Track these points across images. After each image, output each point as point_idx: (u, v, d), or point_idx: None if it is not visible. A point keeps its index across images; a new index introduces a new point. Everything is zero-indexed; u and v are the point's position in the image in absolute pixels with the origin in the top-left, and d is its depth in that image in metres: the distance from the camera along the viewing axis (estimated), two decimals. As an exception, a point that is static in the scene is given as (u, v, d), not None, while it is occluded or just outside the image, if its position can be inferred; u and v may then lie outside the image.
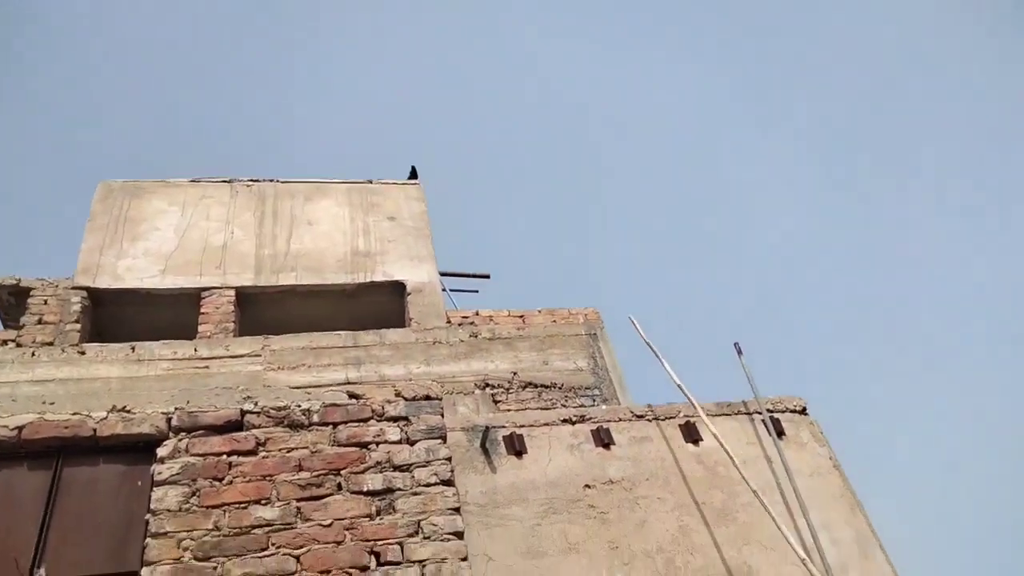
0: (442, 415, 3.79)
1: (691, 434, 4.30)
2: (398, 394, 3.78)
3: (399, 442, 3.63)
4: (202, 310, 6.44)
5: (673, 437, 4.29)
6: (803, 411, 4.54)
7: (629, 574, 3.75)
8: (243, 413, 3.60)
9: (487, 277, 8.94)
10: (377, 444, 3.61)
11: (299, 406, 3.66)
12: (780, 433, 4.37)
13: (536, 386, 6.46)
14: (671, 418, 4.36)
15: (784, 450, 4.27)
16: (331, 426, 3.63)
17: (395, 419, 3.70)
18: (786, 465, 4.18)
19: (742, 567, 3.88)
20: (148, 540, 3.20)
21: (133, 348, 5.78)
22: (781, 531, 3.69)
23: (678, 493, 4.08)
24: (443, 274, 7.84)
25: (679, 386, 4.47)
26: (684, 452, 4.24)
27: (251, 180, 7.07)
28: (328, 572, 3.20)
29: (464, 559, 3.36)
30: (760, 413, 4.42)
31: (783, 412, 4.48)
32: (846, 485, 4.28)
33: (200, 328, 6.42)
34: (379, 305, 6.86)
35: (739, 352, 4.57)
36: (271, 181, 7.11)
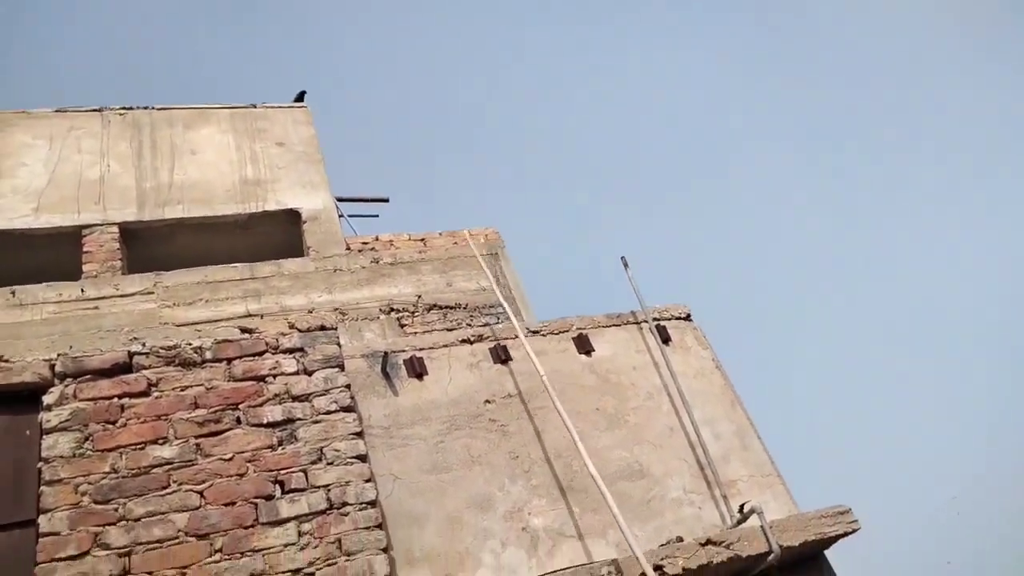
0: (338, 344, 3.82)
1: (584, 346, 4.50)
2: (292, 326, 3.78)
3: (296, 373, 3.65)
4: (84, 249, 6.14)
5: (567, 350, 4.49)
6: (687, 317, 4.82)
7: (530, 480, 3.98)
8: (131, 355, 3.52)
9: (386, 201, 8.84)
10: (274, 377, 3.62)
11: (190, 344, 3.61)
12: (666, 340, 4.64)
13: (441, 307, 6.55)
14: (564, 332, 4.54)
15: (670, 355, 4.55)
16: (225, 362, 3.61)
17: (291, 351, 3.71)
18: (671, 368, 4.46)
19: (634, 465, 4.18)
20: (43, 488, 3.15)
21: (13, 292, 5.49)
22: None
23: (573, 401, 4.30)
24: (340, 199, 7.70)
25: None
26: (578, 363, 4.45)
27: (124, 108, 6.63)
28: (233, 504, 3.26)
29: (368, 480, 3.48)
30: (647, 322, 4.67)
31: (668, 319, 4.74)
32: (727, 384, 4.62)
33: (84, 268, 6.13)
34: (275, 236, 6.71)
35: (625, 265, 4.77)
36: (146, 109, 6.70)
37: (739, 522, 3.89)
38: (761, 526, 3.68)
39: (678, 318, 4.79)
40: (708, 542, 3.60)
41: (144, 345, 3.57)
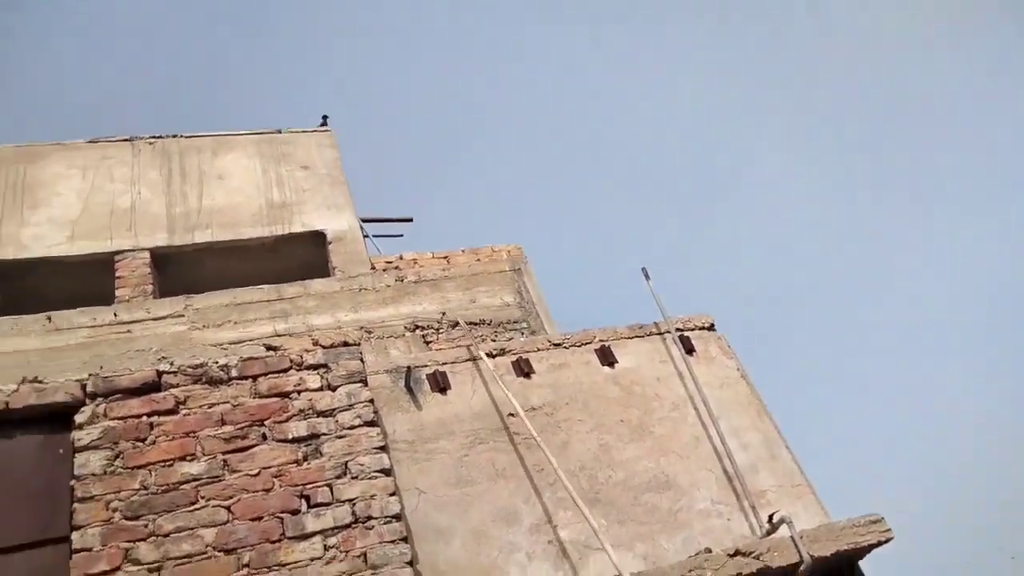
0: (361, 360, 3.86)
1: (607, 357, 4.49)
2: (315, 343, 3.83)
3: (320, 389, 3.69)
4: (117, 274, 6.30)
5: (590, 362, 4.48)
6: (711, 327, 4.78)
7: (555, 492, 3.96)
8: (159, 374, 3.60)
9: (410, 221, 8.94)
10: (298, 393, 3.67)
11: (216, 362, 3.68)
12: (690, 350, 4.60)
13: (466, 324, 6.58)
14: (587, 344, 4.54)
15: (694, 365, 4.51)
16: (251, 379, 3.67)
17: (314, 367, 3.75)
18: (696, 379, 4.42)
19: (660, 476, 4.14)
20: (75, 505, 3.22)
21: (49, 318, 5.64)
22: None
23: (597, 414, 4.28)
24: (364, 220, 7.80)
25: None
26: (601, 375, 4.44)
27: (152, 137, 6.83)
28: (260, 518, 3.29)
29: (393, 494, 3.50)
30: (670, 333, 4.64)
31: (692, 330, 4.71)
32: (753, 393, 4.56)
33: (117, 292, 6.29)
34: (301, 257, 6.82)
35: (646, 277, 4.76)
36: (174, 137, 6.88)
37: (768, 532, 3.82)
38: (791, 536, 3.62)
39: (702, 328, 4.76)
40: (737, 553, 3.54)
41: (172, 364, 3.64)
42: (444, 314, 6.58)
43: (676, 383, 4.49)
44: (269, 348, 3.78)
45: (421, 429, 4.03)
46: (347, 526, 3.33)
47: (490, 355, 4.41)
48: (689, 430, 4.33)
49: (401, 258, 7.24)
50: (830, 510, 4.12)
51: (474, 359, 4.38)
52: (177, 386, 3.58)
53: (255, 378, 3.67)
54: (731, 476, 4.17)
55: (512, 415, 4.19)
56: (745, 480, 4.14)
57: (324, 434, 3.56)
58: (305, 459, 3.49)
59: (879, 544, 3.76)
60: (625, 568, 3.58)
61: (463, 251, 7.33)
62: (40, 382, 3.52)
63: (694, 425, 4.36)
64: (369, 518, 3.37)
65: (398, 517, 3.42)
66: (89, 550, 3.09)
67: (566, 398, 4.29)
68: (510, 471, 3.99)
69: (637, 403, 4.38)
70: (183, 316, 6.06)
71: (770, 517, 3.84)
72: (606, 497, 3.97)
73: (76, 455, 3.34)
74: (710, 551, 3.67)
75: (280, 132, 7.13)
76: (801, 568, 3.55)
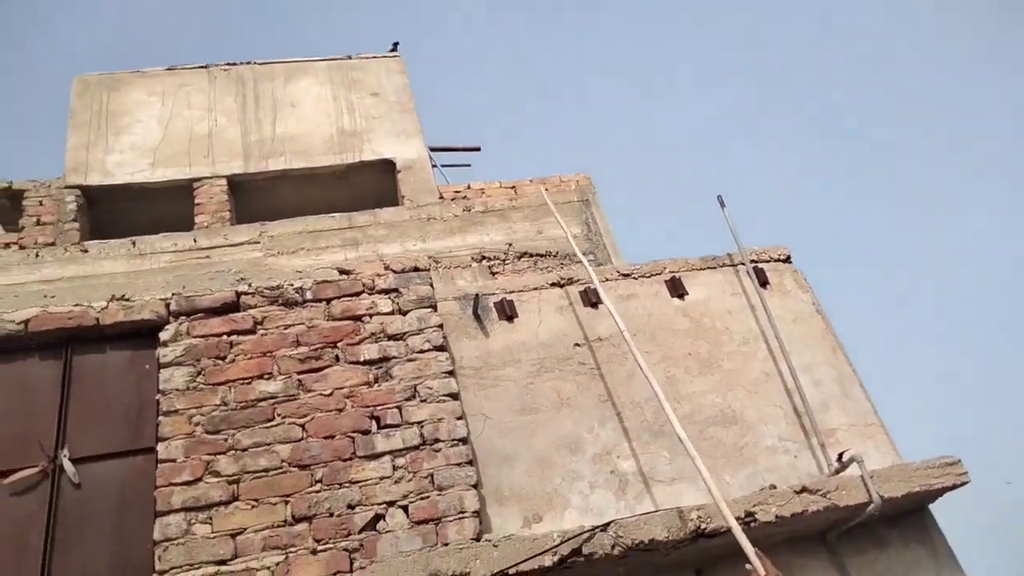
0: (431, 285, 3.89)
1: (676, 289, 4.40)
2: (387, 268, 3.88)
3: (391, 313, 3.76)
4: (196, 200, 6.48)
5: (659, 293, 4.40)
6: (787, 259, 4.62)
7: (620, 423, 3.97)
8: (238, 295, 3.72)
9: (478, 150, 8.85)
10: (370, 316, 3.74)
11: (292, 285, 3.77)
12: (764, 283, 4.47)
13: (532, 255, 6.55)
14: (657, 275, 4.45)
15: (768, 299, 4.38)
16: (324, 302, 3.76)
17: (386, 291, 3.81)
18: (768, 313, 4.31)
19: (727, 411, 4.09)
20: (161, 418, 3.41)
21: (134, 243, 5.87)
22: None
23: (665, 346, 4.24)
24: (432, 149, 7.77)
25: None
26: (670, 307, 4.37)
27: (228, 64, 6.89)
28: (332, 437, 3.42)
29: (460, 418, 3.57)
30: (744, 264, 4.51)
31: (767, 262, 4.56)
32: (828, 328, 4.42)
33: (196, 219, 6.48)
34: (370, 185, 6.87)
35: (722, 205, 4.60)
36: (248, 64, 6.93)
37: (837, 471, 3.75)
38: (861, 476, 3.54)
39: (777, 260, 4.60)
40: (804, 490, 3.49)
41: (250, 285, 3.75)
42: (511, 245, 6.56)
43: (748, 316, 4.39)
44: (342, 272, 3.85)
45: (488, 356, 4.06)
46: (415, 447, 3.43)
47: (557, 285, 4.38)
48: (759, 365, 4.25)
49: (469, 188, 7.21)
50: (904, 454, 4.00)
51: (539, 288, 4.36)
52: (255, 307, 3.69)
53: (329, 301, 3.75)
54: (800, 413, 4.09)
55: (578, 345, 4.19)
56: (815, 417, 4.05)
57: (394, 357, 3.64)
58: (376, 381, 3.58)
59: (954, 487, 3.65)
60: (687, 501, 3.59)
61: (531, 181, 7.24)
62: (128, 300, 3.69)
63: (764, 360, 4.26)
64: (436, 440, 3.46)
65: (464, 441, 3.50)
66: (173, 461, 3.28)
67: (634, 328, 4.24)
68: (574, 400, 4.00)
69: (706, 336, 4.30)
70: (258, 243, 6.22)
71: (840, 456, 3.77)
72: (670, 430, 3.95)
73: (161, 371, 3.52)
74: (775, 487, 3.63)
75: (350, 58, 7.10)
76: (870, 508, 3.48)
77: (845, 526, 3.63)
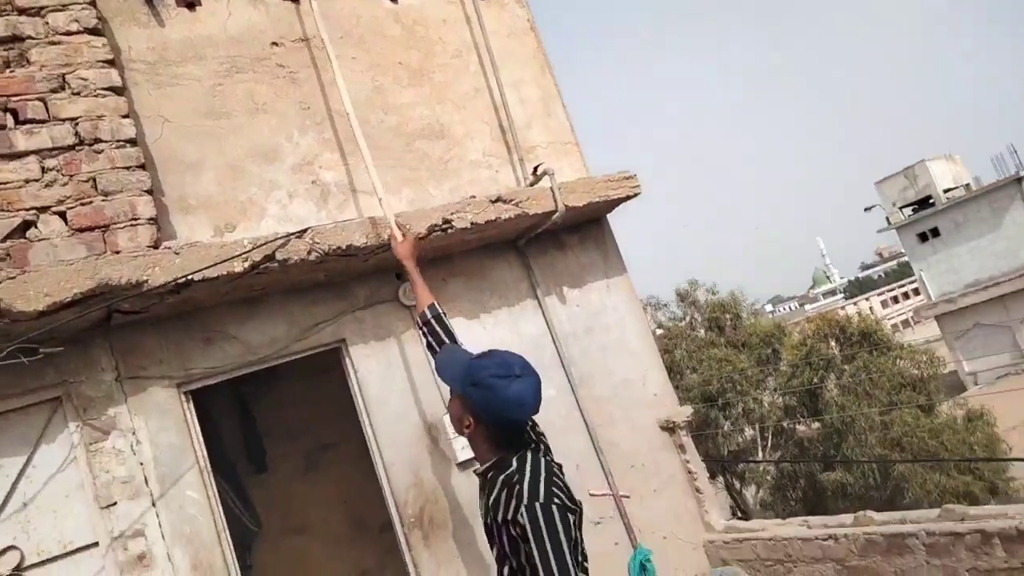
0: (78, -52, 3.10)
1: (389, -11, 4.02)
2: (8, -83, 2.98)
3: (21, -20, 2.96)
4: None
5: (370, -8, 4.00)
6: (507, -32, 4.40)
7: (321, 133, 3.74)
8: None
9: None
10: (-10, -19, 2.92)
11: None
12: (482, -8, 4.25)
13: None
14: (367, -30, 4.00)
15: (484, 9, 4.20)
16: (-83, -45, 2.84)
17: (9, -50, 2.96)
18: (482, 26, 4.15)
19: (435, 124, 4.03)
20: None
21: None
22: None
23: (374, 52, 3.95)
24: None
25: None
26: (382, 9, 4.01)
27: None
28: (-48, 131, 2.77)
29: (126, 116, 3.08)
30: (463, -31, 4.21)
31: (486, -32, 4.30)
32: (540, 48, 4.41)
33: None
34: None
35: None
36: None
37: (532, 183, 3.97)
38: (551, 187, 3.77)
39: (496, -33, 4.36)
40: (499, 199, 3.65)
41: None
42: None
43: (463, 28, 4.20)
44: (-63, -84, 2.89)
45: (164, 49, 3.47)
46: (70, 148, 2.93)
47: (251, -29, 3.76)
48: (470, 80, 4.17)
49: None
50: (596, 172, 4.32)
51: (231, -27, 3.71)
52: None
53: (-79, -46, 2.84)
54: (505, 129, 4.17)
55: (276, 44, 3.74)
56: (518, 135, 4.16)
57: (30, 37, 2.94)
58: (8, 66, 2.90)
59: (627, 198, 4.06)
60: (390, 211, 3.59)
61: None
62: None
63: (476, 75, 4.19)
64: (97, 140, 2.98)
65: (133, 142, 3.06)
66: None
67: (340, 31, 3.86)
68: (271, 106, 3.65)
69: (419, 45, 4.07)
70: None
71: (535, 169, 3.96)
72: (377, 142, 3.82)
73: None
74: (474, 198, 3.75)
75: None
76: (555, 216, 3.77)
77: (533, 233, 3.93)
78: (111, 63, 3.07)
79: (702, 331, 20.33)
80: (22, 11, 2.94)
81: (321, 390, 4.67)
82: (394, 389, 3.63)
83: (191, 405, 3.29)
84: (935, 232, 27.91)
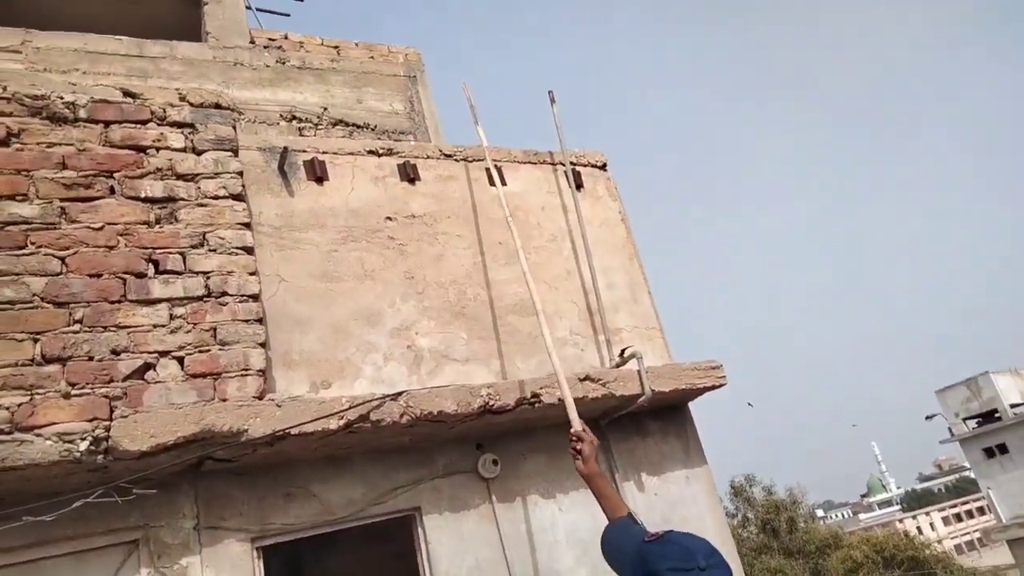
0: (234, 127, 3.49)
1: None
2: (183, 98, 3.40)
3: (183, 150, 3.33)
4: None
5: (478, 179, 4.33)
6: (603, 167, 4.74)
7: (422, 301, 3.91)
8: (-12, 97, 3.08)
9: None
10: (157, 149, 3.28)
11: (61, 97, 3.19)
12: (579, 185, 4.56)
13: (348, 124, 6.18)
14: (479, 160, 4.37)
15: (580, 201, 4.49)
16: (102, 124, 3.23)
17: (179, 125, 3.35)
18: (579, 214, 4.42)
19: (527, 301, 4.18)
20: None
21: None
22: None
23: (477, 232, 4.20)
24: (249, -12, 6.93)
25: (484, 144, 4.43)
26: (487, 194, 4.32)
27: None
28: (99, 276, 3.00)
29: (253, 273, 3.30)
30: (564, 164, 4.56)
31: (584, 166, 4.65)
32: (629, 238, 4.64)
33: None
34: (168, 10, 6.01)
35: (552, 101, 4.57)
36: None
37: (618, 364, 4.01)
38: (638, 370, 3.81)
39: (594, 165, 4.70)
40: (587, 378, 3.70)
41: (4, 89, 3.12)
42: (326, 109, 6.13)
43: (559, 215, 4.47)
44: (127, 94, 3.32)
45: (291, 216, 3.78)
46: (199, 298, 3.13)
47: (375, 153, 4.15)
48: (563, 263, 4.37)
49: (287, 38, 6.55)
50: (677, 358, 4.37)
51: (355, 153, 4.10)
52: (11, 115, 3.09)
53: (108, 124, 3.23)
54: (593, 311, 4.30)
55: (390, 219, 4.03)
56: (605, 317, 4.27)
57: (183, 199, 3.25)
58: (158, 222, 3.18)
59: (713, 387, 4.06)
60: (478, 381, 3.66)
61: (356, 44, 6.73)
62: None
63: (568, 258, 4.39)
64: (224, 294, 3.18)
65: (255, 298, 3.25)
66: None
67: (448, 211, 4.16)
68: (379, 274, 3.87)
69: (518, 228, 4.32)
70: (20, 52, 5.25)
71: (622, 351, 4.02)
72: (471, 313, 3.98)
73: None
74: (562, 375, 3.79)
75: None
76: (641, 399, 3.78)
77: (616, 414, 3.92)
78: (247, 226, 3.34)
79: (754, 529, 19.22)
80: (180, 176, 3.27)
81: (374, 560, 4.53)
82: (464, 566, 3.50)
83: (261, 563, 3.22)
84: (1003, 448, 26.59)
